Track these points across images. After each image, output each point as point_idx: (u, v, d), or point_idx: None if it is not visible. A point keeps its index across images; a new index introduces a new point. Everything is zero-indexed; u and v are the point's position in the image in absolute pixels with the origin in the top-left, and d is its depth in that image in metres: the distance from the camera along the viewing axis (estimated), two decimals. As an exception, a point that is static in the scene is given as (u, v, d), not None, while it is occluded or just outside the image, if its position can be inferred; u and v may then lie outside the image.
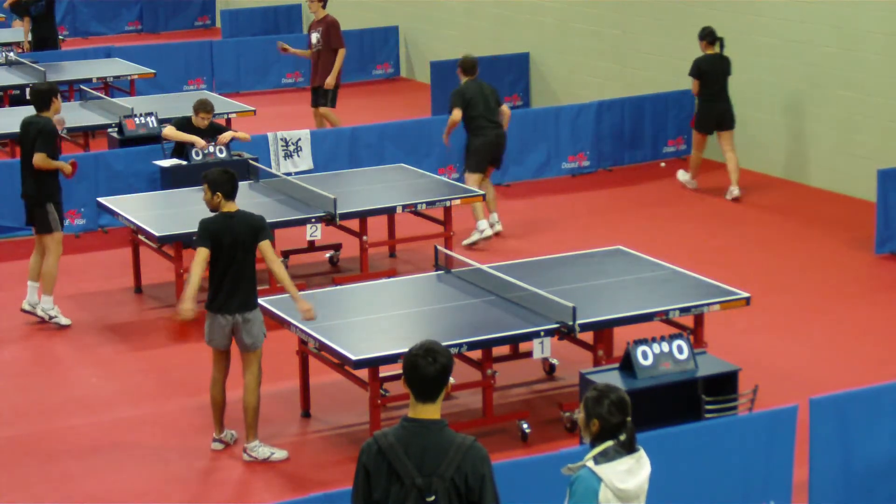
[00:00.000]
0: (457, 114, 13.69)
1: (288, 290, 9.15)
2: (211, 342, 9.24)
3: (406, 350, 5.65)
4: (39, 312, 11.75)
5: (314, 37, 16.36)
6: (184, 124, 13.75)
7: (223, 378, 9.29)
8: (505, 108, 14.03)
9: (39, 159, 11.36)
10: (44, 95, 11.62)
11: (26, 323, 11.75)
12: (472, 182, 13.63)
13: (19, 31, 20.86)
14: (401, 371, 5.68)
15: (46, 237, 11.63)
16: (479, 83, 13.91)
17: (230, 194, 9.19)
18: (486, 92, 13.84)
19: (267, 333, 9.28)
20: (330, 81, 16.25)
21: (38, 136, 11.40)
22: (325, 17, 16.36)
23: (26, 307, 11.83)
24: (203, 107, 13.62)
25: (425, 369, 5.52)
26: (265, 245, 9.08)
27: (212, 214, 9.22)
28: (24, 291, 11.88)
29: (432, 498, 5.47)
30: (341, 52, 16.26)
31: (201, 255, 9.08)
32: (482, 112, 13.73)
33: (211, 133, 13.65)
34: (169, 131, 13.63)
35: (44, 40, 20.53)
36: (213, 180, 9.15)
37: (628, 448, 5.84)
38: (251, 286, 9.14)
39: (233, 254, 9.05)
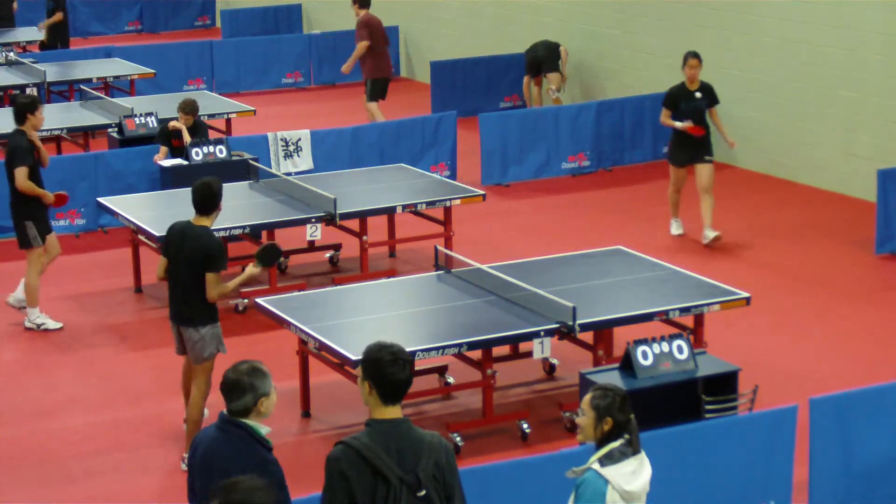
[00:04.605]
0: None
1: (232, 287, 8.94)
2: None
3: (374, 348, 5.58)
4: (27, 324, 11.66)
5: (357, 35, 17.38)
6: (166, 132, 13.90)
7: (185, 383, 9.21)
8: (562, 49, 18.46)
9: (21, 181, 11.17)
10: (19, 109, 11.33)
11: (25, 324, 11.75)
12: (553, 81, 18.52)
13: (32, 30, 21.25)
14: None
15: (26, 251, 11.54)
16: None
17: (195, 205, 8.96)
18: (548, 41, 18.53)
19: (226, 350, 9.04)
20: (344, 68, 17.58)
21: (12, 152, 11.24)
22: (362, 16, 17.23)
23: (11, 301, 11.91)
24: (182, 108, 13.83)
25: (397, 375, 5.51)
26: (209, 276, 8.78)
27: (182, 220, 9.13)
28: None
29: (423, 492, 5.48)
30: (360, 45, 17.10)
31: (160, 261, 9.12)
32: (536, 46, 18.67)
33: (194, 132, 13.77)
34: (161, 156, 13.77)
35: (55, 39, 20.84)
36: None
37: (633, 448, 5.83)
38: (200, 301, 8.84)
39: (180, 267, 8.90)
